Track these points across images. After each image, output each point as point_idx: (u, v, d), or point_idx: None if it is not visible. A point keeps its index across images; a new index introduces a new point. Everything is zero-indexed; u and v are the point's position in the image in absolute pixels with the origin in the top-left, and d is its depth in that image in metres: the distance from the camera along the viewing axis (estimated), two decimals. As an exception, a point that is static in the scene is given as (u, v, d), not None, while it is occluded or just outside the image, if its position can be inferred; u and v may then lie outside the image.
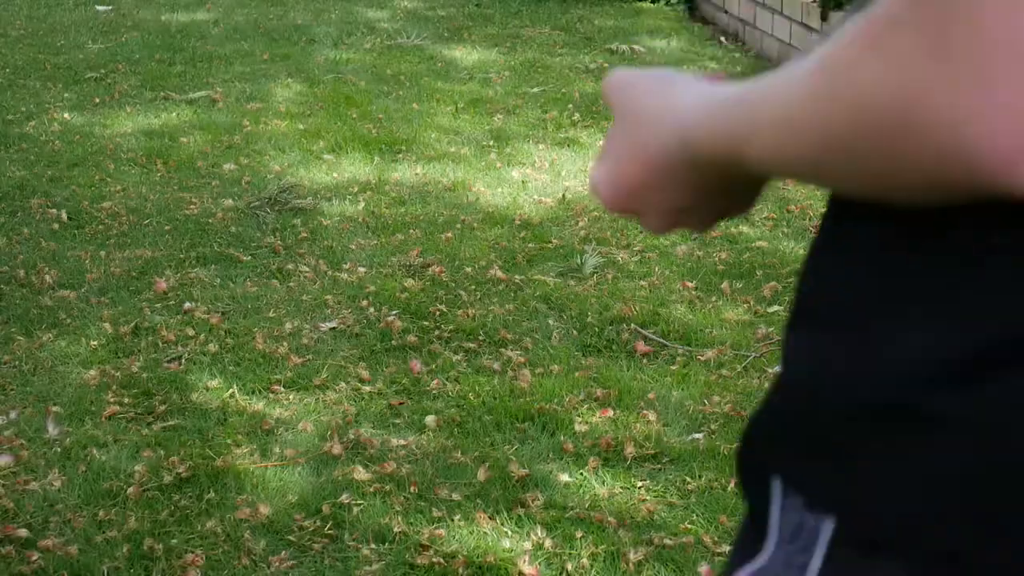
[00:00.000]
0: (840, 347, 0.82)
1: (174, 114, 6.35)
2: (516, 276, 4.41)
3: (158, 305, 4.22)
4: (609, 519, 3.03)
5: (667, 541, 2.96)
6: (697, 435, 3.42)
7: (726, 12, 8.03)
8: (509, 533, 2.99)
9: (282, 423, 3.50)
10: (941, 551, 0.75)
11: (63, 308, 4.19)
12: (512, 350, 3.90)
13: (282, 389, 3.69)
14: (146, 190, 5.27)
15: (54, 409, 3.56)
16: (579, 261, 4.51)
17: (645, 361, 3.85)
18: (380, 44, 7.67)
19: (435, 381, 3.71)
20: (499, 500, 3.12)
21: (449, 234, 4.80)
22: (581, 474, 3.23)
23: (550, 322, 4.08)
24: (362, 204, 5.12)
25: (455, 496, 3.13)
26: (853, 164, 0.75)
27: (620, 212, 0.98)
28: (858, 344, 0.80)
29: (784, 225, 4.87)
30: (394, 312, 4.13)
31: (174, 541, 2.97)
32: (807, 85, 0.77)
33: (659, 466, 3.28)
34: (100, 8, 8.73)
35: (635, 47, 7.58)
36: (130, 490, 3.16)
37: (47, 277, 4.41)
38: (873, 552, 0.78)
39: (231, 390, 3.68)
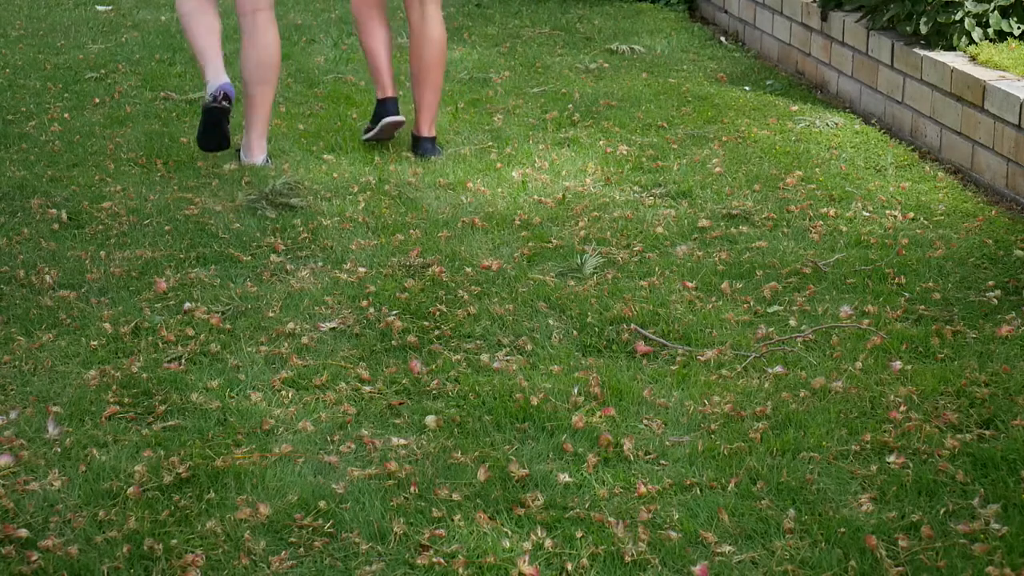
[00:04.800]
0: None
1: (174, 114, 6.35)
2: (516, 276, 4.41)
3: (158, 305, 4.22)
4: (609, 519, 3.03)
5: (667, 541, 2.96)
6: (697, 435, 3.42)
7: (726, 12, 8.04)
8: (509, 533, 2.99)
9: (282, 423, 3.50)
10: None
11: (63, 308, 4.20)
12: (512, 350, 3.91)
13: (282, 389, 3.69)
14: (146, 190, 5.27)
15: (54, 409, 3.56)
16: (579, 261, 4.51)
17: (645, 361, 3.85)
18: (380, 44, 7.67)
19: (435, 381, 3.71)
20: (499, 500, 3.12)
21: (449, 234, 4.80)
22: (581, 474, 3.23)
23: (550, 322, 4.08)
24: (362, 204, 5.12)
25: (455, 496, 3.13)
26: None
27: None
28: None
29: (784, 225, 4.87)
30: (394, 312, 4.13)
31: (174, 541, 2.97)
32: None
33: (659, 466, 3.28)
34: (100, 8, 8.74)
35: (635, 47, 7.58)
36: (130, 490, 3.16)
37: (47, 277, 4.42)
38: None
39: (231, 390, 3.68)
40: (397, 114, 5.72)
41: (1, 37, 7.89)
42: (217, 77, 5.46)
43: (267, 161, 5.64)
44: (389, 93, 5.72)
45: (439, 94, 5.76)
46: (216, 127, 5.45)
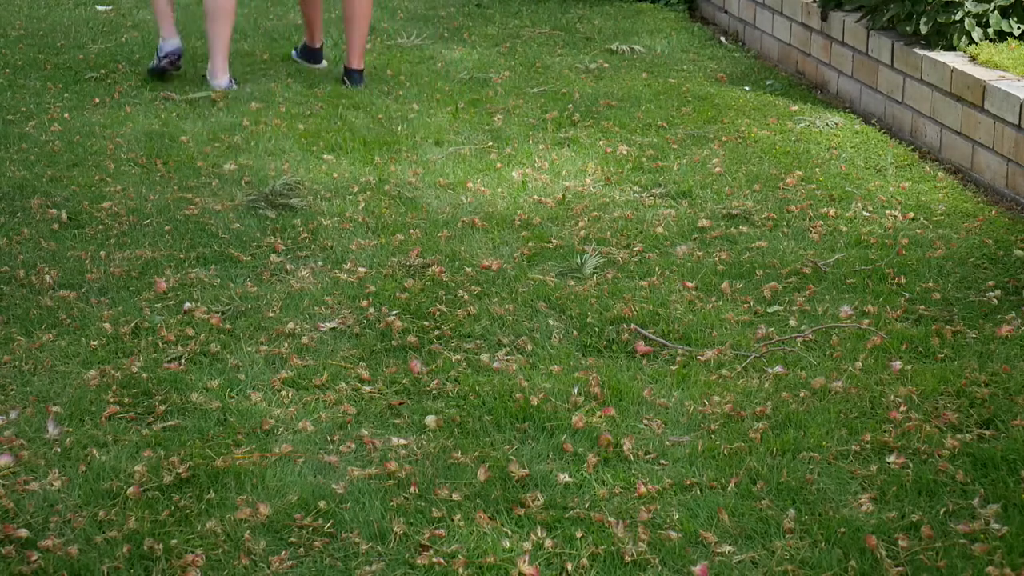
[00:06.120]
0: None
1: (174, 114, 6.35)
2: (516, 276, 4.41)
3: (158, 305, 4.22)
4: (609, 519, 3.03)
5: (667, 541, 2.96)
6: (697, 435, 3.42)
7: (726, 12, 8.04)
8: (509, 533, 2.99)
9: (282, 423, 3.51)
10: None
11: (63, 308, 4.20)
12: (512, 350, 3.91)
13: (282, 389, 3.69)
14: (146, 190, 5.27)
15: (54, 409, 3.56)
16: (579, 261, 4.51)
17: (645, 361, 3.85)
18: (380, 44, 7.68)
19: (435, 381, 3.71)
20: (499, 500, 3.12)
21: (449, 234, 4.80)
22: (581, 474, 3.23)
23: (550, 322, 4.08)
24: (362, 204, 5.12)
25: (455, 496, 3.13)
26: None
27: None
28: None
29: (784, 225, 4.87)
30: (394, 312, 4.13)
31: (174, 541, 2.98)
32: None
33: (659, 466, 3.28)
34: (100, 8, 8.74)
35: (635, 47, 7.58)
36: (130, 490, 3.17)
37: (47, 277, 4.42)
38: None
39: (231, 390, 3.68)
40: (321, 62, 7.17)
41: (1, 37, 7.89)
42: (170, 39, 6.81)
43: (231, 83, 6.74)
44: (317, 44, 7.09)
45: (366, 33, 6.82)
46: (161, 75, 6.84)
